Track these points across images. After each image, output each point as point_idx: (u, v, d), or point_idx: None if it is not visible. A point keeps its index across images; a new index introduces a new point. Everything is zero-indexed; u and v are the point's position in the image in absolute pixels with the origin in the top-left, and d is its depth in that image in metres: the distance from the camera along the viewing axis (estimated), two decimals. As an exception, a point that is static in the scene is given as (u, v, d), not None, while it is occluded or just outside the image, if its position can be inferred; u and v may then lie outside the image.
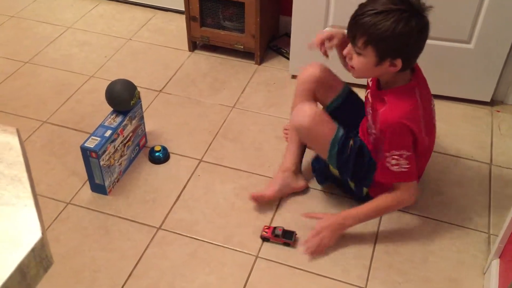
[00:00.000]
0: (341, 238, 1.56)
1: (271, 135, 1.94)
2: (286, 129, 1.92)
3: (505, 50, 1.93)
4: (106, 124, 1.69)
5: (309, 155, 1.75)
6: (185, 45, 2.41)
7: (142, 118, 1.84)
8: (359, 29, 1.34)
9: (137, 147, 1.85)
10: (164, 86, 2.20)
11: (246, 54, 2.34)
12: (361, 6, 1.36)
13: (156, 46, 2.44)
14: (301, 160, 1.74)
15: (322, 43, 1.54)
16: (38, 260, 0.55)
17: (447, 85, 2.08)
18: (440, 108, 2.09)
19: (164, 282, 1.47)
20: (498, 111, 2.08)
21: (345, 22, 1.99)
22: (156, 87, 2.19)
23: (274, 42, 2.45)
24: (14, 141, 0.65)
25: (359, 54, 1.38)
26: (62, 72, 2.28)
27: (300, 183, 1.71)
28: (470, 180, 1.79)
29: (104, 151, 1.64)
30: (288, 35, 2.35)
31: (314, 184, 1.74)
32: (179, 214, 1.66)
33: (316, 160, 1.68)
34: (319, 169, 1.67)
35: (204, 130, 1.98)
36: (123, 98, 1.70)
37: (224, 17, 2.29)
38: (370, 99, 1.54)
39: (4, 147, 0.64)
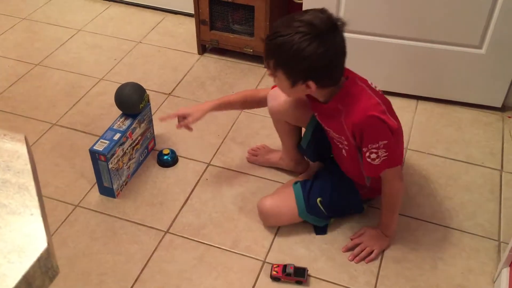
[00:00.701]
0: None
1: (279, 140, 1.93)
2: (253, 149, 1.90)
3: (516, 56, 1.91)
4: (115, 127, 1.70)
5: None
6: (194, 48, 2.41)
7: (151, 121, 1.85)
8: (268, 52, 1.35)
9: (145, 150, 1.85)
10: (173, 89, 2.20)
11: (255, 58, 2.34)
12: (273, 27, 1.35)
13: (166, 49, 2.45)
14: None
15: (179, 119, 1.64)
16: (44, 270, 0.55)
17: (457, 90, 2.07)
18: (451, 114, 2.08)
19: (171, 286, 1.47)
20: (510, 117, 2.06)
21: (356, 26, 2.01)
22: (165, 90, 2.20)
23: (283, 45, 2.44)
24: (22, 149, 0.65)
25: (274, 76, 1.38)
26: (72, 74, 2.29)
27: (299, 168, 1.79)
28: (480, 186, 1.77)
29: (113, 154, 1.64)
30: (297, 38, 2.34)
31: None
32: (187, 218, 1.66)
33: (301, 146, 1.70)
34: (306, 150, 1.69)
35: (212, 134, 1.98)
36: (132, 101, 1.71)
37: (233, 21, 2.28)
38: (321, 117, 1.50)
39: (12, 155, 0.64)
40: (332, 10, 1.93)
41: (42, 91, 2.19)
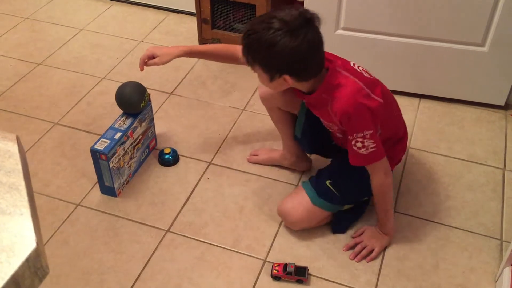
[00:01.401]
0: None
1: (280, 140, 1.93)
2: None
3: (520, 53, 1.90)
4: (116, 126, 1.70)
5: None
6: (196, 47, 2.41)
7: (152, 120, 1.85)
8: (244, 49, 1.37)
9: (146, 150, 1.85)
10: (175, 89, 2.20)
11: (257, 56, 2.33)
12: (248, 25, 1.37)
13: (168, 48, 2.45)
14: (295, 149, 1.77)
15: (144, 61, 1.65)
16: (33, 270, 0.54)
17: (460, 89, 2.05)
18: (453, 112, 2.06)
19: (172, 285, 1.47)
20: (513, 115, 2.04)
21: (357, 24, 2.00)
22: (167, 89, 2.20)
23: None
24: (14, 148, 0.65)
25: (254, 71, 1.40)
26: (74, 74, 2.30)
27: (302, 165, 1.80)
28: (482, 185, 1.76)
29: (114, 153, 1.64)
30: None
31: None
32: (188, 217, 1.66)
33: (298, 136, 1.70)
34: (302, 139, 1.68)
35: (214, 133, 1.97)
36: (133, 100, 1.71)
37: (235, 19, 2.28)
38: (310, 105, 1.52)
39: (3, 155, 0.64)
40: (333, 8, 1.96)
41: (44, 90, 2.20)
